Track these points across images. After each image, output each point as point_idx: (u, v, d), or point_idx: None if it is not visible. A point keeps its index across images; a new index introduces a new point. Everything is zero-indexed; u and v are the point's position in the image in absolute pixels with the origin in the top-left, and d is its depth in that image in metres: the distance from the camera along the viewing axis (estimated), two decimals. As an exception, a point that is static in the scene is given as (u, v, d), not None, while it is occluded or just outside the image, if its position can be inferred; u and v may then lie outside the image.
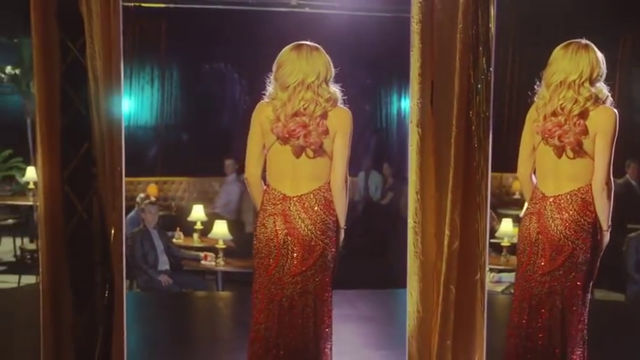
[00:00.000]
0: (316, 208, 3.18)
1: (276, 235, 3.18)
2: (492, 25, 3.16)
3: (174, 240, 7.49)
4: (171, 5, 10.11)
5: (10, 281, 7.72)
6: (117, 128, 3.24)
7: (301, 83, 3.12)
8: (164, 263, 6.83)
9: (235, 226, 8.33)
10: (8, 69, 10.27)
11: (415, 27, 3.16)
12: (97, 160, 3.25)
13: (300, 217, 3.17)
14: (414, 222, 3.23)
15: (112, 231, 3.24)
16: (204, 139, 10.85)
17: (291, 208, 3.18)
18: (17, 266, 8.18)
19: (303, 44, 3.19)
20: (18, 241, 8.63)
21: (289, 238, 3.17)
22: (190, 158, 10.68)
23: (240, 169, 9.18)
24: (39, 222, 3.31)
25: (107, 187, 3.26)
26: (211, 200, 9.68)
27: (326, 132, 3.15)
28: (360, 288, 6.08)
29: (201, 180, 10.48)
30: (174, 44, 10.80)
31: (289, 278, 3.18)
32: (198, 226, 7.63)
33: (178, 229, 7.83)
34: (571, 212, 3.25)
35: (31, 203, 8.40)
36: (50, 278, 3.25)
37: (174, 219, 8.75)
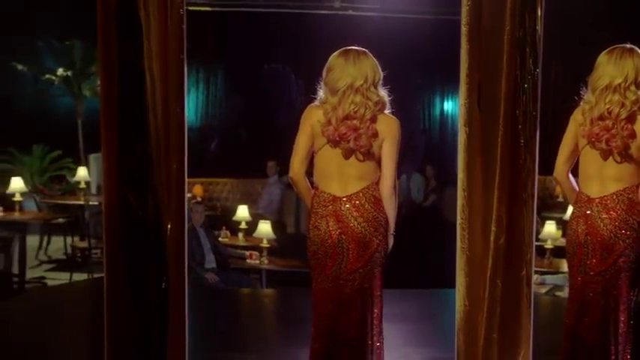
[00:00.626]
0: (367, 205, 3.23)
1: (330, 236, 3.23)
2: (539, 27, 3.20)
3: (220, 239, 7.64)
4: (217, 9, 10.27)
5: (61, 278, 7.90)
6: (174, 128, 3.34)
7: (350, 87, 3.17)
8: (211, 261, 6.96)
9: (277, 226, 8.43)
10: (60, 71, 10.40)
11: (463, 29, 3.22)
12: (152, 159, 3.34)
13: (352, 216, 3.22)
14: (462, 219, 3.27)
15: (169, 227, 3.33)
16: (249, 140, 10.97)
17: (342, 208, 3.23)
18: (68, 264, 8.39)
19: (350, 49, 3.25)
20: (69, 239, 8.84)
21: (343, 237, 3.22)
22: (234, 160, 10.81)
23: (282, 171, 9.30)
24: (102, 219, 3.42)
25: (163, 185, 3.34)
26: (255, 201, 9.79)
27: (375, 135, 3.21)
28: (401, 288, 6.11)
29: (244, 181, 10.59)
30: (219, 47, 10.95)
31: (346, 276, 3.23)
32: (243, 225, 7.78)
33: (224, 228, 7.98)
34: (619, 211, 3.28)
35: (81, 202, 8.60)
36: (109, 274, 3.35)
37: (220, 219, 8.88)
